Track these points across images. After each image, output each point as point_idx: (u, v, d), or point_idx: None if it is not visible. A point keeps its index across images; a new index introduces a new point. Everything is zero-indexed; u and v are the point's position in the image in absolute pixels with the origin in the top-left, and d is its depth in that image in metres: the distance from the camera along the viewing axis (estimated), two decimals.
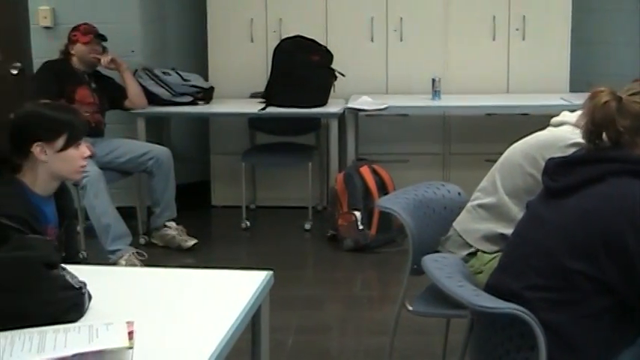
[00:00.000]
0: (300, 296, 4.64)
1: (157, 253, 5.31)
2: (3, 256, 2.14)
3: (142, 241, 5.54)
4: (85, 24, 5.50)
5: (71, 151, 2.68)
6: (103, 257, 4.88)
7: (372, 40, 6.29)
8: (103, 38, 5.51)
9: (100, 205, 4.98)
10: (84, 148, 2.72)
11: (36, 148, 2.64)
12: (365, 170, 5.56)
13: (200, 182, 6.53)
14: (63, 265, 2.24)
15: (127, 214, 5.30)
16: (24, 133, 2.67)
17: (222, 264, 2.71)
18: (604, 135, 2.35)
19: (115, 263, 4.87)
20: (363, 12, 6.26)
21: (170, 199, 5.48)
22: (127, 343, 1.94)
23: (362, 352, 4.05)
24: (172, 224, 5.49)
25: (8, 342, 1.98)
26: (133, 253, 5.01)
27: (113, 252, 4.97)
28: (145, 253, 5.10)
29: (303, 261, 5.52)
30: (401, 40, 6.27)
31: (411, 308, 3.15)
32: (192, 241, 5.43)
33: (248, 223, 5.95)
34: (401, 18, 6.24)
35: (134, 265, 4.87)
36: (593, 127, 2.36)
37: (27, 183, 2.63)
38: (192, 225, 5.62)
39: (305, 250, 5.72)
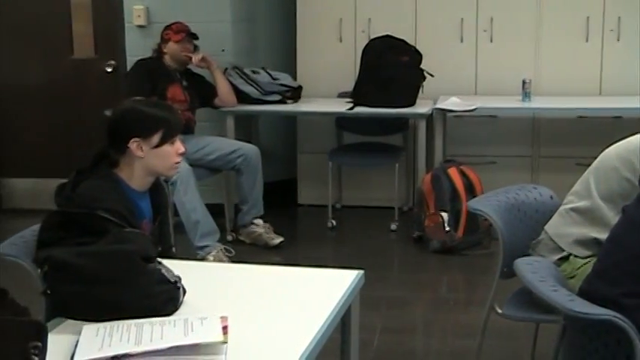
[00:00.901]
0: (385, 297, 4.63)
1: (244, 250, 5.36)
2: (103, 249, 2.20)
3: (229, 238, 5.60)
4: (177, 23, 5.59)
5: (166, 148, 2.72)
6: (191, 253, 4.95)
7: (461, 41, 6.24)
8: (194, 37, 5.59)
9: (190, 201, 5.05)
10: (179, 145, 2.76)
11: (133, 144, 2.68)
12: (453, 171, 5.51)
13: (287, 181, 6.57)
14: (158, 259, 2.29)
15: (215, 211, 5.37)
16: (121, 129, 2.72)
17: (308, 262, 2.73)
18: None
19: (203, 259, 4.95)
20: (452, 12, 6.21)
21: (258, 197, 5.53)
22: (221, 338, 1.97)
23: (447, 354, 4.03)
24: (259, 222, 5.54)
25: (107, 332, 2.03)
26: (220, 249, 5.08)
27: (201, 248, 5.05)
28: (232, 250, 5.16)
29: (389, 261, 5.51)
30: (491, 40, 6.20)
31: (500, 311, 3.12)
32: (278, 239, 5.47)
33: (334, 223, 5.97)
34: (491, 18, 6.17)
35: (221, 261, 4.94)
36: None
37: (124, 178, 2.68)
38: (278, 223, 5.66)
39: (390, 251, 5.70)
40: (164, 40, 5.55)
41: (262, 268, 2.76)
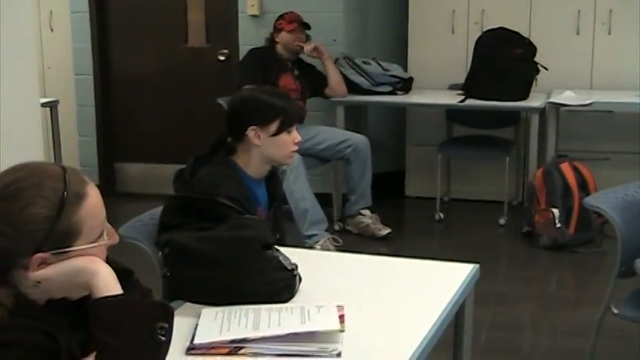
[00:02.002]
0: (493, 292, 4.58)
1: (351, 240, 5.38)
2: (223, 235, 2.25)
3: (336, 227, 5.63)
4: (290, 12, 5.64)
5: (284, 136, 2.74)
6: (299, 241, 4.99)
7: (577, 33, 6.09)
8: (307, 26, 5.63)
9: (299, 190, 5.10)
10: (295, 134, 2.78)
11: (250, 132, 2.71)
12: (565, 167, 5.40)
13: (395, 172, 6.55)
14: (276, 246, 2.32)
15: (323, 200, 5.39)
16: (240, 117, 2.75)
17: (415, 254, 2.71)
18: None
19: (310, 247, 4.98)
20: (569, 4, 6.07)
21: (366, 188, 5.54)
22: (338, 327, 1.99)
23: (556, 353, 3.96)
24: (367, 212, 5.55)
25: (225, 316, 2.07)
26: (328, 238, 5.11)
27: (309, 237, 5.08)
28: (339, 240, 5.19)
29: (497, 256, 5.44)
30: (609, 33, 6.04)
31: (616, 311, 3.04)
32: (386, 230, 5.47)
33: (442, 215, 5.93)
34: (610, 10, 6.00)
35: (329, 250, 4.96)
36: None
37: (241, 165, 2.71)
38: (385, 214, 5.65)
39: (499, 246, 5.63)
40: (277, 29, 5.61)
41: (374, 259, 2.76)
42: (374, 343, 2.02)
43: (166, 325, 1.61)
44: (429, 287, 2.39)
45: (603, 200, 3.19)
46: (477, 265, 2.50)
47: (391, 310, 2.22)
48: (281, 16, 5.65)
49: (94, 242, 1.65)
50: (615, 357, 3.76)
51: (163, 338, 1.60)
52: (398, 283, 2.46)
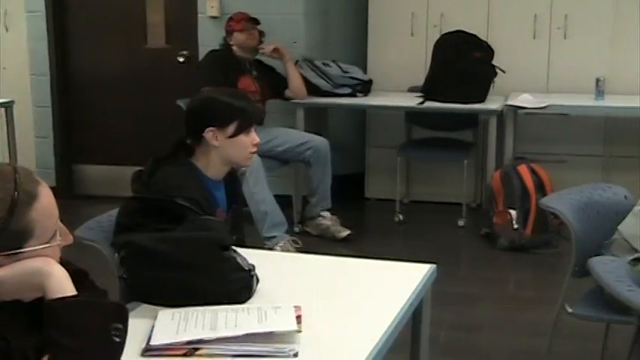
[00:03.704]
0: (453, 293, 4.60)
1: (311, 242, 5.39)
2: (182, 236, 2.24)
3: (296, 229, 5.64)
4: (237, 13, 5.65)
5: (242, 138, 2.74)
6: (259, 243, 4.98)
7: (534, 37, 6.16)
8: (256, 22, 5.62)
9: (259, 192, 5.09)
10: (254, 135, 2.78)
11: (208, 133, 2.71)
12: (523, 169, 5.46)
13: (355, 174, 6.57)
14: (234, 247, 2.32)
15: (283, 202, 5.39)
16: (198, 118, 2.75)
17: (375, 256, 2.72)
18: None
19: (270, 249, 4.97)
20: (526, 8, 6.14)
21: (326, 190, 5.55)
22: (295, 327, 1.99)
23: (514, 352, 3.99)
24: (327, 214, 5.56)
25: (182, 317, 2.06)
26: (288, 240, 5.11)
27: (269, 238, 5.08)
28: (299, 241, 5.19)
29: (456, 257, 5.48)
30: (565, 37, 6.12)
31: (571, 310, 3.08)
32: (346, 232, 5.49)
33: (401, 217, 5.96)
34: (566, 15, 6.08)
35: (289, 252, 4.96)
36: None
37: (200, 167, 2.72)
38: (345, 216, 5.67)
39: (458, 247, 5.68)
40: (228, 32, 5.61)
41: (333, 259, 2.77)
42: (331, 343, 2.03)
43: (121, 326, 1.61)
44: (387, 288, 2.41)
45: (559, 201, 3.23)
46: (434, 266, 2.52)
47: (349, 311, 2.24)
48: (229, 19, 5.66)
49: (47, 243, 1.64)
50: (571, 355, 3.81)
51: (118, 339, 1.60)
52: (356, 284, 2.47)
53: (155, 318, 2.09)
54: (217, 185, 2.77)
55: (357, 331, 2.09)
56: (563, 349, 3.68)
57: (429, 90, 5.90)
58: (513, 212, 5.36)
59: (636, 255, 3.03)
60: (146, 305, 2.22)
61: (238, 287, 2.22)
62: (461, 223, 5.85)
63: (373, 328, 2.08)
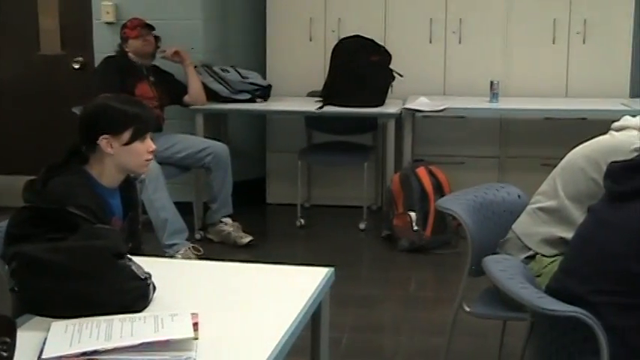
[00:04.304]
0: (355, 295, 4.64)
1: (213, 249, 5.35)
2: (74, 245, 2.19)
3: (197, 236, 5.60)
4: (132, 19, 5.60)
5: (137, 145, 2.71)
6: (159, 251, 4.93)
7: (430, 42, 6.27)
8: (151, 28, 5.56)
9: (159, 199, 5.03)
10: (150, 142, 2.75)
11: (102, 141, 2.67)
12: (422, 171, 5.55)
13: (256, 179, 6.57)
14: (128, 256, 2.28)
15: (183, 209, 5.35)
16: (91, 126, 2.71)
17: (277, 260, 2.72)
18: None
19: (171, 257, 4.92)
20: (422, 13, 6.25)
21: (227, 196, 5.53)
22: (192, 334, 1.97)
23: (416, 352, 4.05)
24: (228, 220, 5.54)
25: (76, 328, 2.02)
26: (189, 247, 5.07)
27: (170, 246, 5.03)
28: (200, 248, 5.15)
29: (358, 260, 5.53)
30: (460, 42, 6.24)
31: (468, 309, 3.14)
32: (247, 238, 5.47)
33: (303, 222, 5.98)
34: (460, 19, 6.21)
35: (190, 259, 4.91)
36: None
37: (94, 175, 2.67)
38: (247, 222, 5.66)
39: (360, 250, 5.73)
40: (123, 39, 5.55)
41: (232, 265, 2.75)
42: (229, 349, 2.02)
43: (8, 340, 1.56)
44: (285, 292, 2.40)
45: (454, 202, 3.28)
46: (332, 269, 2.53)
47: (247, 316, 2.22)
48: (124, 25, 5.59)
49: None
50: (470, 353, 3.88)
51: (5, 354, 1.55)
52: (255, 289, 2.46)
53: (48, 330, 2.04)
54: (112, 193, 2.72)
55: (256, 336, 2.08)
56: (462, 347, 3.76)
57: (327, 94, 5.93)
58: (413, 214, 5.44)
59: (529, 253, 3.12)
60: (40, 318, 2.16)
61: (134, 296, 2.19)
62: (362, 225, 5.90)
63: (271, 332, 2.07)
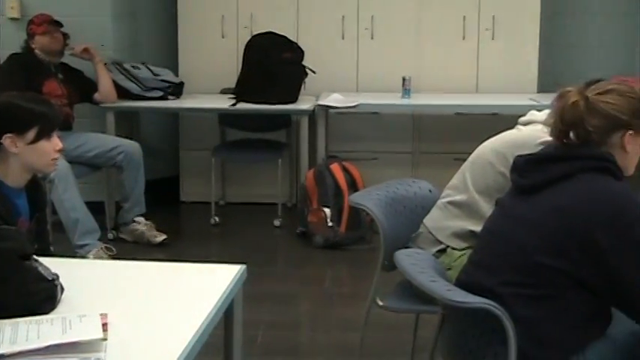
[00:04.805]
0: (270, 292, 4.64)
1: (126, 249, 5.28)
2: None
3: (110, 236, 5.51)
4: (38, 15, 5.47)
5: (43, 144, 2.66)
6: (71, 252, 4.84)
7: (342, 38, 6.30)
8: (58, 24, 5.45)
9: (69, 199, 4.94)
10: (56, 141, 2.70)
11: (6, 140, 2.62)
12: (335, 167, 5.57)
13: (169, 178, 6.50)
14: (35, 257, 2.23)
15: (95, 208, 5.26)
16: None
17: (191, 260, 2.70)
18: (571, 134, 2.38)
19: (83, 257, 4.84)
20: (334, 10, 6.27)
21: (139, 195, 5.45)
22: (101, 335, 1.94)
23: (332, 348, 4.07)
24: (141, 219, 5.47)
25: None
26: (101, 247, 4.99)
27: (81, 247, 4.94)
28: (113, 248, 5.07)
29: (273, 257, 5.53)
30: (372, 38, 6.29)
31: (381, 304, 3.17)
32: (161, 237, 5.42)
33: (217, 220, 5.95)
34: (372, 16, 6.26)
35: (102, 259, 4.84)
36: (562, 126, 2.38)
37: None
38: (161, 221, 5.59)
39: (275, 247, 5.72)
40: (30, 35, 5.42)
41: (143, 265, 2.73)
42: (140, 349, 1.99)
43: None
44: (197, 290, 2.39)
45: (366, 198, 3.30)
46: (244, 266, 2.52)
47: (158, 316, 2.20)
48: (30, 21, 5.47)
49: None
50: (384, 347, 3.91)
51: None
52: (166, 288, 2.44)
53: None
54: (18, 193, 2.66)
55: (167, 335, 2.06)
56: (377, 342, 3.78)
57: (241, 91, 5.92)
58: (327, 210, 5.46)
59: (440, 246, 3.16)
60: None
61: (41, 298, 2.14)
62: (277, 222, 5.89)
63: (183, 331, 2.05)
